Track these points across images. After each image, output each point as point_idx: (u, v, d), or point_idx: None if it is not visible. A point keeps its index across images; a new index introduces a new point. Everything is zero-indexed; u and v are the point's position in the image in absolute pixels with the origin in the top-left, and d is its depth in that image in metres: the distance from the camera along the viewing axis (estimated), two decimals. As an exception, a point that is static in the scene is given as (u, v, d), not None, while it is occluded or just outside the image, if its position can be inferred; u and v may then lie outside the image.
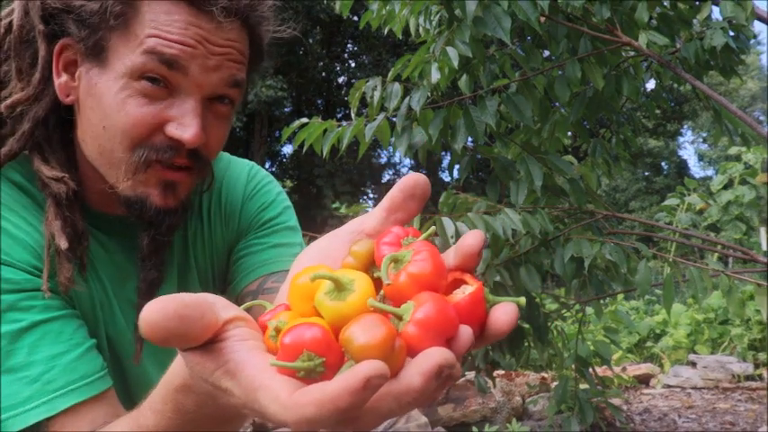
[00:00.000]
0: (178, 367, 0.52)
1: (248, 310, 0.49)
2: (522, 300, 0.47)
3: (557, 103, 2.17)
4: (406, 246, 0.47)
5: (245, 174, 1.01)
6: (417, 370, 0.39)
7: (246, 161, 1.04)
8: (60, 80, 0.81)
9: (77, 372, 0.74)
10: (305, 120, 1.89)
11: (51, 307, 0.76)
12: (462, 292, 0.46)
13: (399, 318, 0.42)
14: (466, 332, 0.43)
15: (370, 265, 0.49)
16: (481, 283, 0.46)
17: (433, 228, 0.54)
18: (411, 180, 0.51)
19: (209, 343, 0.44)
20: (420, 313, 0.41)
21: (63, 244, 0.76)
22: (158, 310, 0.40)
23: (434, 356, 0.39)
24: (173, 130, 0.76)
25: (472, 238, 0.48)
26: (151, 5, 0.75)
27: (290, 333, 0.40)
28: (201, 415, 0.53)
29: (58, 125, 0.83)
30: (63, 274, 0.78)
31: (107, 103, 0.76)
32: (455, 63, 1.67)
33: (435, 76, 1.72)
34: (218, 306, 0.44)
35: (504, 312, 0.45)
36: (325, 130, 1.89)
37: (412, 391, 0.39)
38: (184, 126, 0.76)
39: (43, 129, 0.82)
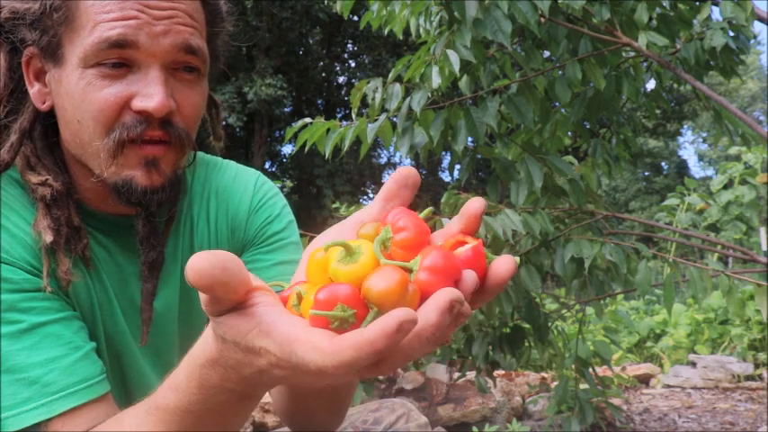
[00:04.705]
0: (203, 344, 0.55)
1: None
2: (518, 259, 0.53)
3: (557, 104, 2.18)
4: (382, 223, 0.53)
5: (252, 184, 1.00)
6: (432, 306, 0.44)
7: (253, 170, 1.04)
8: (33, 89, 0.82)
9: (76, 375, 0.74)
10: (308, 120, 1.89)
11: (51, 309, 0.76)
12: (465, 247, 0.52)
13: (410, 270, 0.48)
14: (470, 275, 0.49)
15: None
16: (481, 240, 0.52)
17: (430, 209, 0.61)
18: (403, 171, 0.57)
19: (239, 308, 0.48)
20: (427, 261, 0.47)
21: (48, 238, 0.77)
22: (206, 260, 0.45)
23: (446, 293, 0.44)
24: (138, 103, 0.76)
25: (475, 204, 0.54)
26: None
27: (324, 290, 0.45)
28: (224, 389, 0.56)
29: (43, 132, 0.84)
30: (60, 269, 0.78)
31: (73, 96, 0.77)
32: (456, 67, 1.67)
33: (436, 80, 1.73)
34: (250, 275, 0.49)
35: (503, 262, 0.51)
36: (327, 130, 1.89)
37: (429, 326, 0.44)
38: (148, 96, 0.76)
39: (28, 138, 0.84)
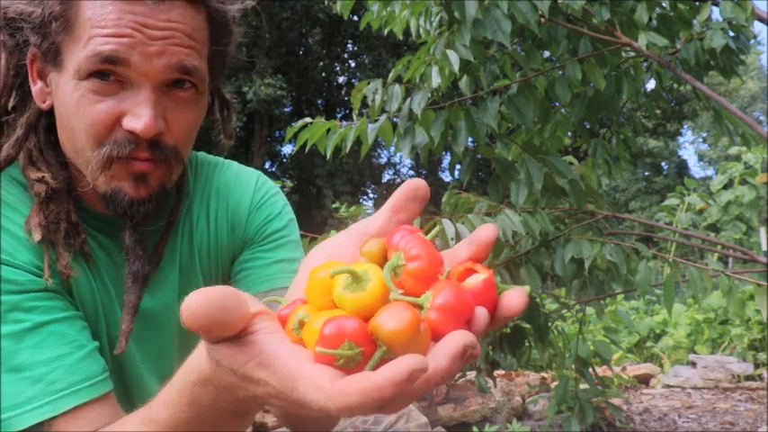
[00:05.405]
0: (196, 362, 0.53)
1: None
2: (529, 288, 0.51)
3: (557, 104, 2.18)
4: (394, 248, 0.50)
5: (252, 183, 1.01)
6: (444, 352, 0.42)
7: (254, 170, 1.04)
8: (36, 87, 0.83)
9: (80, 373, 0.74)
10: (308, 119, 1.89)
11: (55, 308, 0.77)
12: (475, 279, 0.49)
13: (420, 307, 0.45)
14: (482, 313, 0.47)
15: (382, 264, 0.51)
16: (492, 271, 0.50)
17: (439, 228, 0.58)
18: (413, 184, 0.55)
19: (238, 336, 0.46)
20: (439, 299, 0.45)
21: (36, 236, 0.77)
22: (202, 299, 0.43)
23: (458, 339, 0.42)
24: (127, 122, 0.76)
25: (487, 231, 0.52)
26: (88, 2, 0.75)
27: (331, 324, 0.42)
28: (216, 408, 0.55)
29: (47, 126, 0.85)
30: (60, 263, 0.79)
31: (68, 105, 0.78)
32: (455, 67, 1.67)
33: (436, 80, 1.73)
34: (249, 301, 0.47)
35: (515, 296, 0.49)
36: (328, 131, 1.89)
37: (440, 371, 0.42)
38: (137, 117, 0.76)
39: (33, 131, 0.84)
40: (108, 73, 0.75)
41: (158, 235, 0.91)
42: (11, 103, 0.85)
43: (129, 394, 0.91)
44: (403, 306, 0.43)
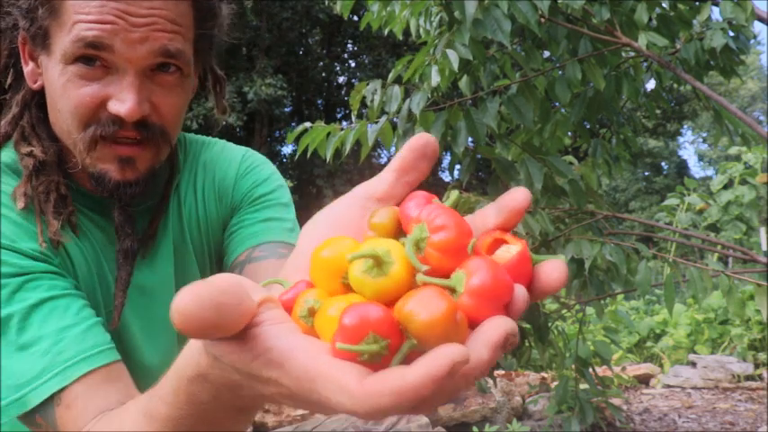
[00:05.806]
0: (190, 356, 0.47)
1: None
2: (563, 257, 0.45)
3: (557, 104, 2.18)
4: (415, 220, 0.43)
5: (240, 155, 1.02)
6: (484, 342, 0.37)
7: (243, 147, 1.06)
8: (28, 68, 0.85)
9: (87, 342, 0.74)
10: (308, 124, 1.89)
11: (58, 286, 0.78)
12: (507, 251, 0.43)
13: (452, 290, 0.40)
14: (522, 293, 0.41)
15: (395, 236, 0.45)
16: (525, 242, 0.43)
17: (457, 194, 0.49)
18: (421, 139, 0.48)
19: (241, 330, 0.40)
20: (475, 281, 0.39)
21: (20, 204, 0.79)
22: (193, 299, 0.36)
23: (500, 327, 0.37)
24: (112, 106, 0.78)
25: (519, 195, 0.45)
26: None
27: (352, 313, 0.36)
28: (217, 405, 0.49)
29: (38, 105, 0.87)
30: (50, 230, 0.80)
31: (56, 88, 0.80)
32: (455, 66, 1.68)
33: (436, 79, 1.73)
34: (249, 288, 0.41)
35: (554, 268, 0.43)
36: (328, 134, 1.89)
37: (481, 364, 0.37)
38: (122, 101, 0.77)
39: (27, 110, 0.87)
40: (94, 58, 0.77)
41: (150, 213, 0.93)
42: (7, 82, 0.88)
43: (130, 370, 0.91)
44: (436, 292, 0.37)
